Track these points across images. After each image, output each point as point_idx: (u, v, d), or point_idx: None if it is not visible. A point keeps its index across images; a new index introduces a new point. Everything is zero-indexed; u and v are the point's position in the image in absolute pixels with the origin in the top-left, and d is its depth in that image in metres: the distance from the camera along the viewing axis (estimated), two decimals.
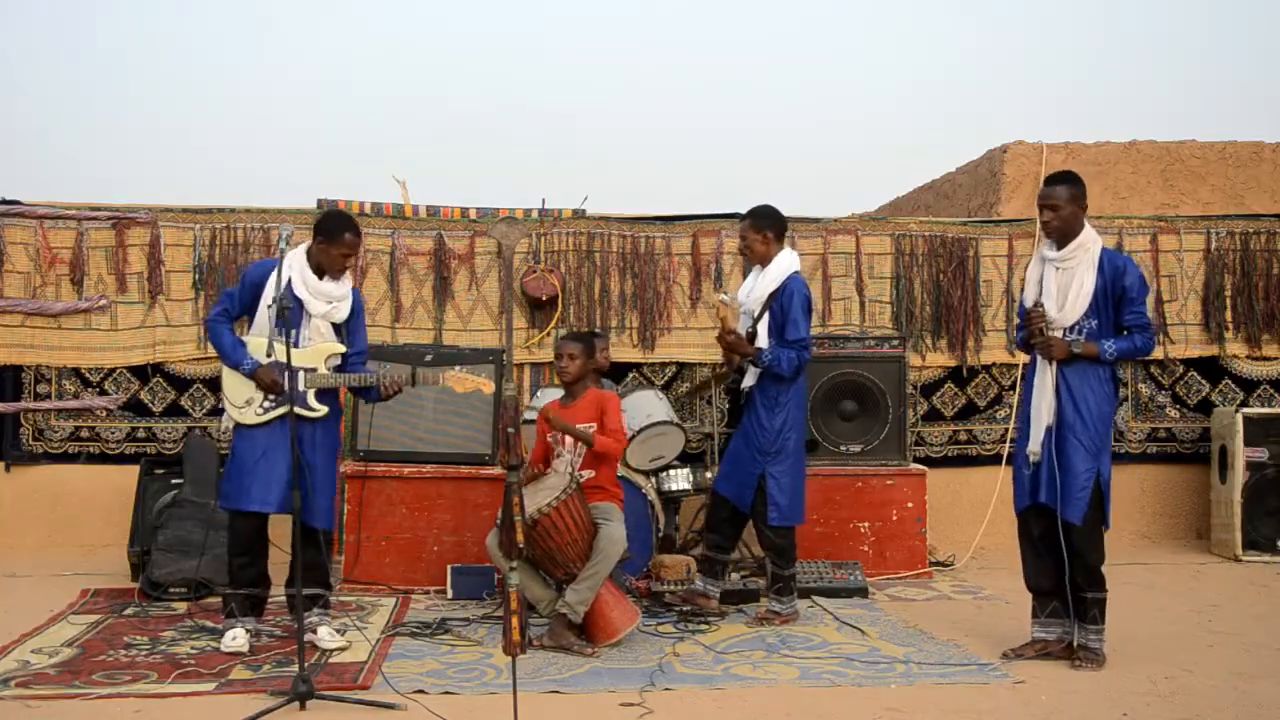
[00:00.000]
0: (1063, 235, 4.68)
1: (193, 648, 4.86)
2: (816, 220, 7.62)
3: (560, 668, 4.60)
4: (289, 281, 4.81)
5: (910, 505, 6.53)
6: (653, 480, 6.40)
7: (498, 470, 6.01)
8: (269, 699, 4.08)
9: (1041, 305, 4.68)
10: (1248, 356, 7.70)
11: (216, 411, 7.13)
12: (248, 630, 4.83)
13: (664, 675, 4.49)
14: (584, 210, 7.48)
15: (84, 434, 7.11)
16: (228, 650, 4.73)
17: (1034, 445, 4.67)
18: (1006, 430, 7.48)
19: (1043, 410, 4.65)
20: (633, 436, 6.09)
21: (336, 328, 4.96)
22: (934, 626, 5.32)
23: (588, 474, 5.17)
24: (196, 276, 7.13)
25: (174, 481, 6.36)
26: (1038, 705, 4.17)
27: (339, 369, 4.95)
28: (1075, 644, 4.67)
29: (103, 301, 7.07)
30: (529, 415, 6.11)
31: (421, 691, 4.24)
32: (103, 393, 7.10)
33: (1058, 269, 4.69)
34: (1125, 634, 5.09)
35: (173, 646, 4.87)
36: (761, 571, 6.21)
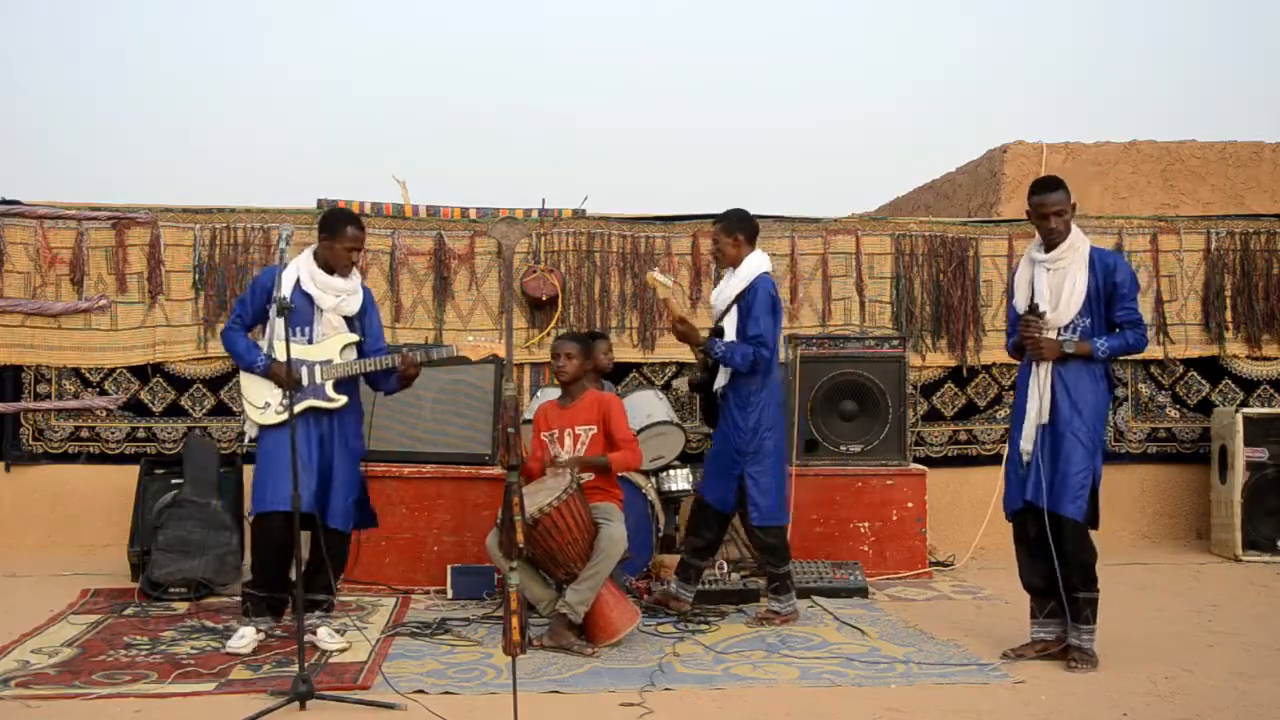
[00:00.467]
0: (1061, 238, 4.69)
1: (193, 648, 4.86)
2: (816, 220, 7.62)
3: (560, 668, 4.60)
4: (297, 281, 4.84)
5: (910, 505, 6.53)
6: (653, 480, 6.40)
7: (498, 470, 6.01)
8: (269, 699, 4.08)
9: (1038, 310, 4.67)
10: (1248, 356, 7.70)
11: (216, 411, 7.13)
12: (259, 630, 4.85)
13: (664, 675, 4.49)
14: (584, 210, 7.48)
15: (84, 434, 7.11)
16: (233, 649, 4.73)
17: (1025, 444, 4.68)
18: (1006, 430, 7.47)
19: (1036, 409, 4.65)
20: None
21: (350, 324, 4.97)
22: (934, 626, 5.32)
23: (587, 475, 5.17)
24: (196, 276, 7.13)
25: (174, 481, 6.35)
26: (1038, 705, 4.16)
27: (355, 360, 4.95)
28: (1070, 644, 4.66)
29: (103, 301, 7.07)
30: (528, 416, 6.11)
31: (421, 691, 4.24)
32: (103, 393, 7.10)
33: (1049, 270, 4.70)
34: (1125, 634, 5.09)
35: (173, 646, 4.87)
36: (762, 571, 6.21)
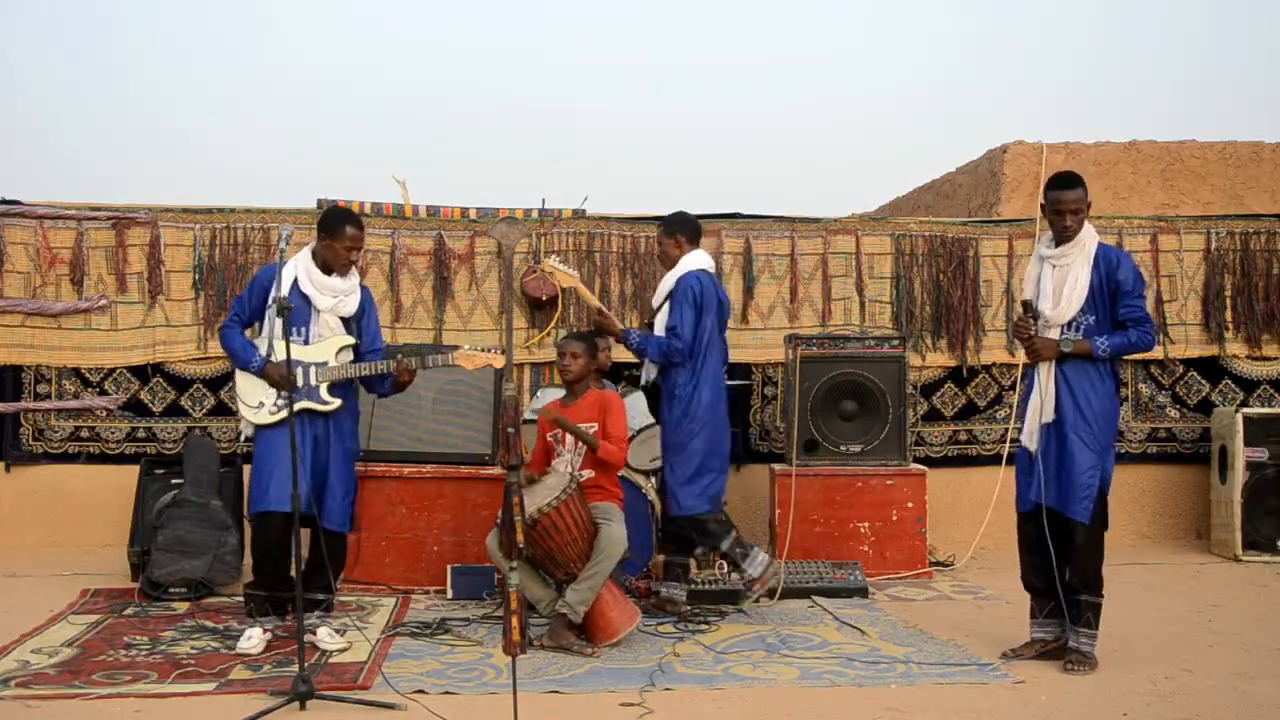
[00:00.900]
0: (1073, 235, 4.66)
1: (193, 648, 4.86)
2: (816, 220, 7.62)
3: (560, 668, 4.60)
4: (295, 280, 4.83)
5: (910, 505, 6.53)
6: (653, 480, 6.39)
7: (498, 470, 6.01)
8: (269, 699, 4.08)
9: (1030, 311, 4.65)
10: (1248, 356, 7.70)
11: (216, 411, 7.13)
12: (265, 630, 4.85)
13: (664, 675, 4.49)
14: (584, 210, 7.48)
15: (84, 434, 7.11)
16: (241, 650, 4.74)
17: (1026, 440, 4.66)
18: (1006, 430, 7.48)
19: (1041, 407, 4.63)
20: (632, 436, 6.09)
21: (347, 325, 4.97)
22: (934, 626, 5.32)
23: (587, 474, 5.17)
24: (196, 276, 7.13)
25: (174, 481, 6.35)
26: (1038, 705, 4.16)
27: (350, 363, 4.95)
28: (1067, 646, 4.65)
29: (103, 301, 7.07)
30: (529, 415, 6.12)
31: (421, 691, 4.24)
32: (103, 393, 7.10)
33: (1054, 266, 4.66)
34: (1125, 634, 5.09)
35: (173, 646, 4.87)
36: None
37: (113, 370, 7.10)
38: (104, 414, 7.10)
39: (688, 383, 5.46)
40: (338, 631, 4.95)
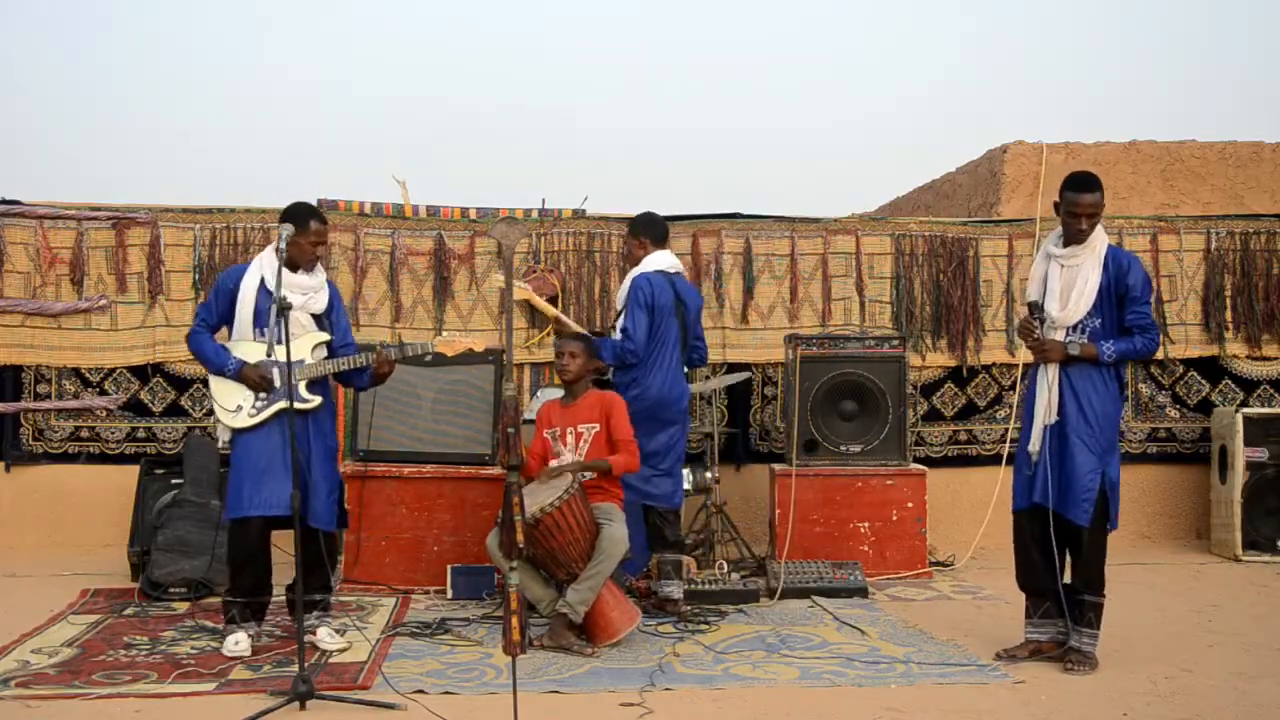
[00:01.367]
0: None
1: (193, 648, 4.86)
2: (816, 220, 7.62)
3: (560, 668, 4.60)
4: (261, 280, 4.78)
5: (910, 505, 6.52)
6: None
7: (498, 470, 6.01)
8: (269, 699, 4.08)
9: (1037, 312, 4.63)
10: (1248, 356, 7.70)
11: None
12: (250, 634, 4.82)
13: (664, 675, 4.49)
14: (584, 210, 7.48)
15: (84, 434, 7.11)
16: (230, 654, 4.71)
17: (1033, 444, 4.64)
18: (1006, 430, 7.48)
19: (1044, 409, 4.61)
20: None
21: (319, 322, 4.93)
22: (934, 626, 5.32)
23: (589, 474, 5.17)
24: (196, 276, 7.13)
25: (174, 481, 6.36)
26: (1038, 705, 4.16)
27: (326, 359, 4.92)
28: (1069, 646, 4.64)
29: (103, 301, 7.07)
30: (528, 416, 6.11)
31: (421, 691, 4.24)
32: (103, 393, 7.10)
33: (1063, 266, 4.61)
34: (1125, 634, 5.09)
35: (173, 646, 4.87)
36: (761, 571, 6.21)
37: (113, 370, 7.11)
38: (104, 414, 7.10)
39: (631, 385, 5.51)
40: (338, 631, 4.94)
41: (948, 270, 7.58)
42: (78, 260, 7.07)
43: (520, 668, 4.02)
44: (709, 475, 6.58)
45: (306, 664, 4.16)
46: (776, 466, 6.71)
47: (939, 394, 7.61)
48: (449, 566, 5.96)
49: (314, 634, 4.82)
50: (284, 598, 5.03)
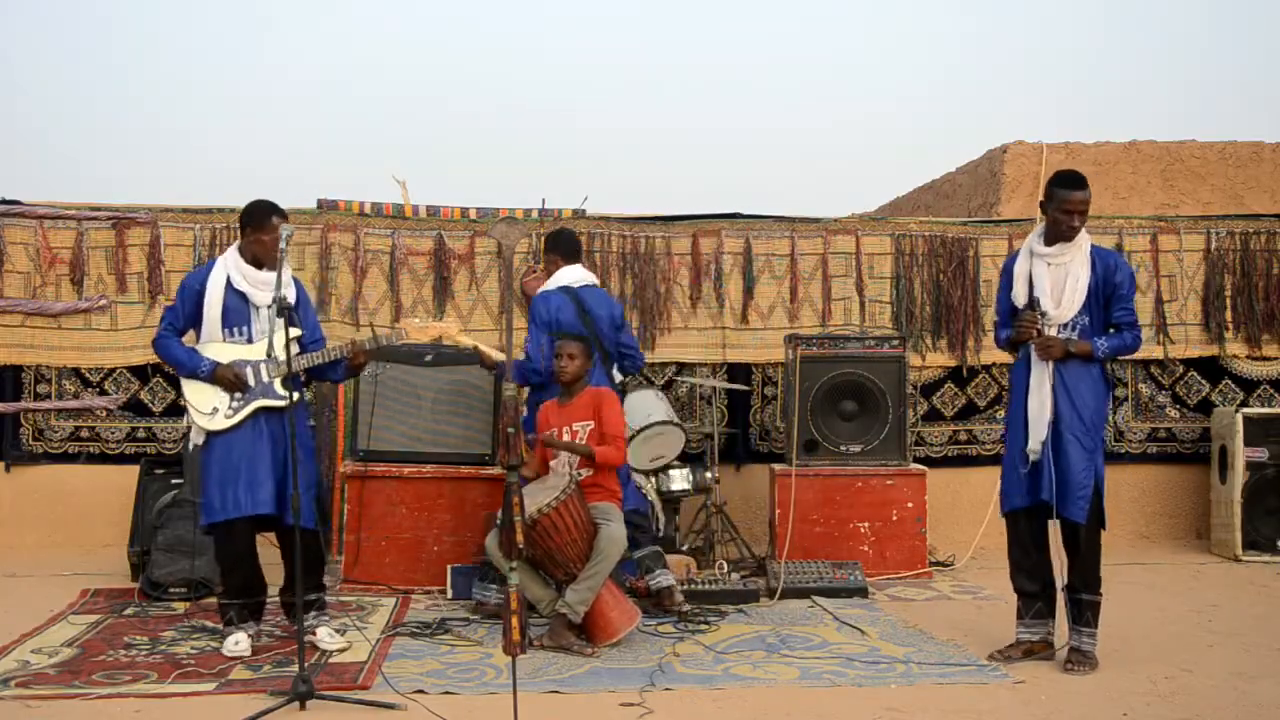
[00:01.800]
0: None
1: (193, 648, 4.86)
2: (816, 220, 7.62)
3: (560, 668, 4.60)
4: (227, 281, 4.75)
5: (910, 505, 6.52)
6: (653, 480, 6.40)
7: (498, 470, 6.01)
8: (269, 699, 4.08)
9: (1038, 306, 4.63)
10: (1248, 356, 7.70)
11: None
12: (249, 634, 4.81)
13: (664, 675, 4.49)
14: (584, 210, 7.48)
15: (84, 434, 7.11)
16: (231, 654, 4.70)
17: (1034, 444, 4.63)
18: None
19: (1041, 407, 4.62)
20: (632, 436, 6.09)
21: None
22: (934, 626, 5.32)
23: (586, 472, 5.17)
24: None
25: (174, 481, 6.35)
26: (1038, 705, 4.17)
27: (299, 354, 4.86)
28: (1069, 646, 4.64)
29: (103, 301, 7.07)
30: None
31: (421, 691, 4.24)
32: (103, 393, 7.10)
33: (1050, 265, 4.63)
34: (1125, 634, 5.09)
35: (173, 646, 4.87)
36: (761, 571, 6.21)
37: (113, 370, 7.11)
38: (104, 414, 7.10)
39: (540, 396, 5.54)
40: (337, 631, 4.94)
41: (948, 270, 7.58)
42: (78, 260, 7.07)
43: (520, 668, 4.02)
44: (709, 475, 6.58)
45: (306, 664, 4.16)
46: (776, 466, 6.71)
47: (939, 394, 7.61)
48: (449, 566, 5.96)
49: (313, 634, 4.82)
50: (278, 599, 5.03)
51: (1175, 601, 5.92)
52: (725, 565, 6.08)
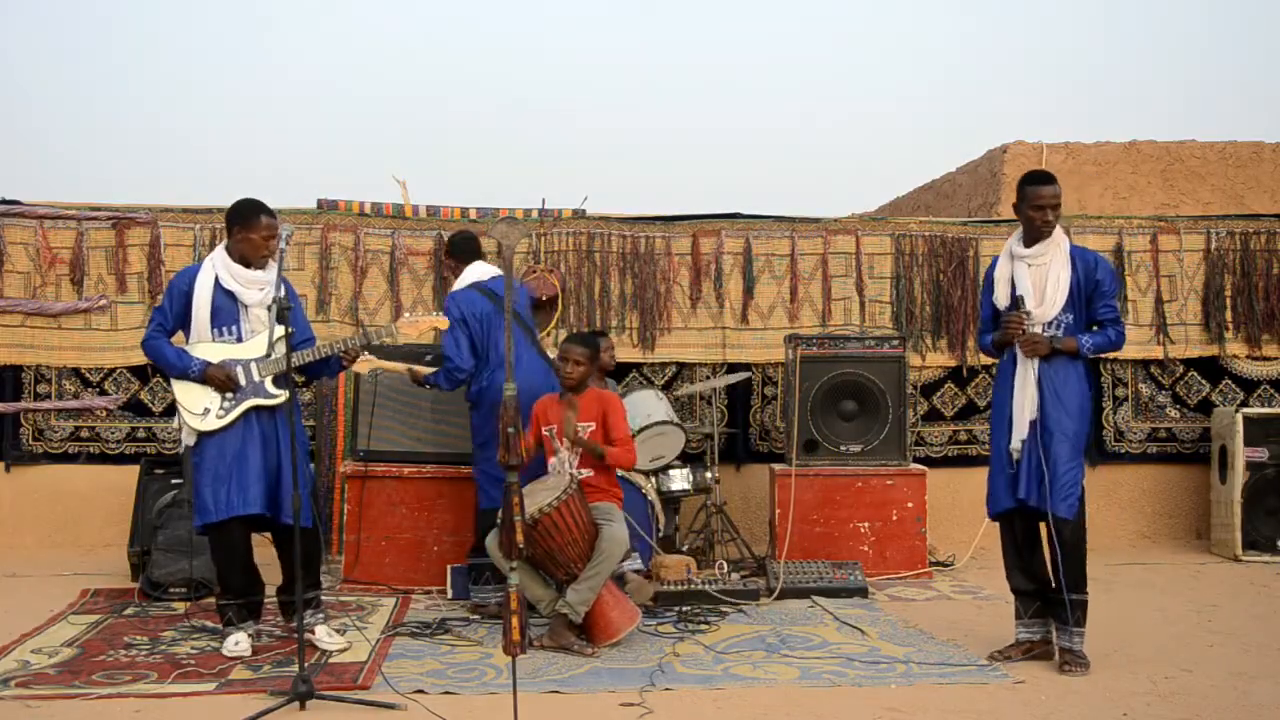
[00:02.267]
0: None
1: (193, 648, 4.86)
2: (816, 220, 7.62)
3: (560, 668, 4.60)
4: (216, 280, 4.75)
5: (910, 505, 6.52)
6: (653, 480, 6.40)
7: None
8: (269, 699, 4.08)
9: (1022, 306, 4.65)
10: (1248, 356, 7.70)
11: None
12: (249, 634, 4.81)
13: (664, 675, 4.49)
14: (584, 210, 7.48)
15: (84, 434, 7.11)
16: (231, 654, 4.70)
17: (1015, 442, 4.63)
18: None
19: (1025, 407, 4.63)
20: (633, 436, 6.09)
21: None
22: (934, 626, 5.32)
23: (586, 472, 5.17)
24: None
25: (174, 481, 6.34)
26: (1038, 705, 4.16)
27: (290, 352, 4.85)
28: (1061, 647, 4.64)
29: (103, 301, 7.07)
30: None
31: (421, 691, 4.24)
32: (103, 393, 7.10)
33: (1030, 265, 4.68)
34: (1125, 634, 5.09)
35: (173, 646, 4.87)
36: (761, 571, 6.21)
37: (113, 370, 7.11)
38: (104, 414, 7.10)
39: (476, 387, 5.56)
40: (337, 631, 4.94)
41: (948, 270, 7.58)
42: (78, 260, 7.07)
43: (520, 668, 4.02)
44: (709, 475, 6.58)
45: (306, 664, 4.16)
46: (776, 466, 6.71)
47: (939, 394, 7.61)
48: (449, 566, 5.96)
49: (311, 632, 4.81)
50: (276, 599, 5.03)
51: (1175, 601, 5.92)
52: (725, 565, 6.08)
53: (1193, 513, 7.69)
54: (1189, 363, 7.71)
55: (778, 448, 7.29)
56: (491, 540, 5.07)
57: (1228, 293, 7.69)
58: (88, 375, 7.10)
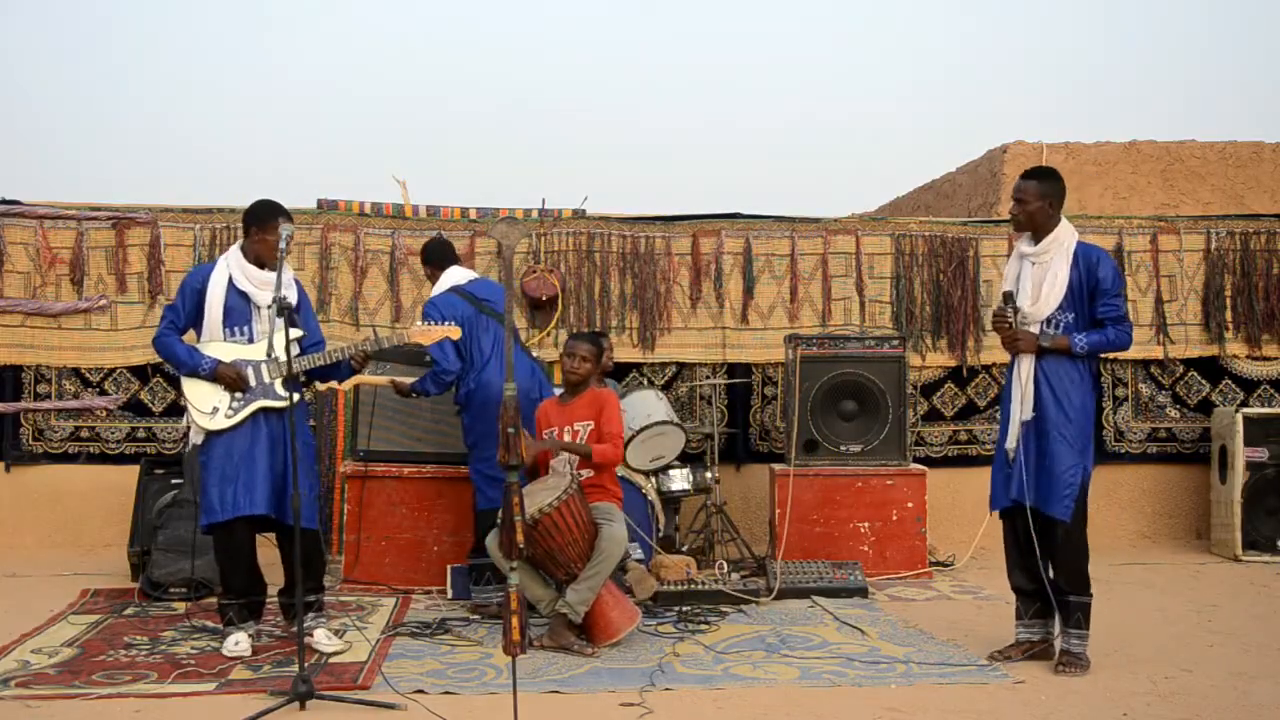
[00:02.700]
0: (1034, 230, 4.67)
1: (193, 648, 4.86)
2: (816, 220, 7.62)
3: (560, 668, 4.60)
4: (229, 280, 4.75)
5: (910, 505, 6.52)
6: (653, 480, 6.40)
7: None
8: (269, 699, 4.08)
9: (1010, 303, 4.64)
10: (1248, 356, 7.70)
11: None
12: (249, 635, 4.81)
13: (664, 675, 4.49)
14: (584, 210, 7.48)
15: (84, 434, 7.11)
16: (231, 654, 4.70)
17: (1010, 441, 4.63)
18: None
19: (1020, 405, 4.62)
20: (633, 436, 6.09)
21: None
22: (934, 626, 5.32)
23: (586, 473, 5.17)
24: None
25: (174, 481, 6.35)
26: (1038, 705, 4.16)
27: (300, 355, 4.86)
28: (1058, 648, 4.64)
29: (103, 301, 7.07)
30: None
31: (421, 691, 4.24)
32: (103, 393, 7.10)
33: (1033, 264, 4.68)
34: (1125, 634, 5.09)
35: (173, 646, 4.87)
36: (761, 571, 6.21)
37: (113, 370, 7.11)
38: (104, 414, 7.10)
39: (465, 390, 5.56)
40: (336, 633, 4.94)
41: (948, 270, 7.58)
42: (78, 260, 7.07)
43: (520, 668, 4.02)
44: (709, 475, 6.58)
45: (306, 664, 4.16)
46: (776, 466, 6.71)
47: (939, 394, 7.61)
48: (449, 566, 5.96)
49: (311, 636, 4.81)
50: (277, 601, 5.02)
51: (1175, 601, 5.92)
52: (725, 565, 6.08)
53: (1193, 513, 7.69)
54: (1189, 363, 7.71)
55: (778, 448, 7.29)
56: (492, 540, 5.07)
57: (1228, 293, 7.69)
58: (88, 375, 7.10)
